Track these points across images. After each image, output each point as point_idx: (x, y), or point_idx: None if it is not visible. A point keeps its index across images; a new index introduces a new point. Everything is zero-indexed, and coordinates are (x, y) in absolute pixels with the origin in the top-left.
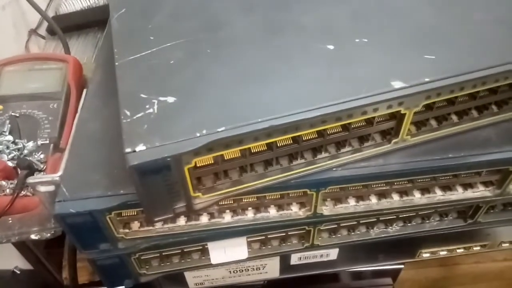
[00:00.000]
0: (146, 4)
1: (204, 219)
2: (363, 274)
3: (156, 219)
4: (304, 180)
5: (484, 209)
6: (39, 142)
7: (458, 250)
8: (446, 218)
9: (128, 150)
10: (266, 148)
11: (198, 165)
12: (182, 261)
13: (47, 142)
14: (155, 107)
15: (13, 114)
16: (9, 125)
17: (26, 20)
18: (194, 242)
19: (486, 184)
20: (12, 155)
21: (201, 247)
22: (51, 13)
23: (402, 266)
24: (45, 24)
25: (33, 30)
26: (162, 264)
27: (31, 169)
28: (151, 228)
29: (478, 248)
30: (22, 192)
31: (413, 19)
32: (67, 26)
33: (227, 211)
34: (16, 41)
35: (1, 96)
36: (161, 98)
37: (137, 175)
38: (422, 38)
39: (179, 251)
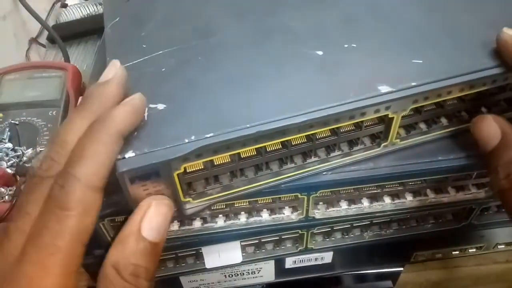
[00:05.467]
0: (140, 12)
1: (197, 223)
2: (363, 277)
3: None
4: (295, 184)
5: (478, 211)
6: (38, 149)
7: (453, 252)
8: (440, 220)
9: (117, 157)
10: (255, 153)
11: (188, 171)
12: (177, 265)
13: None
14: (145, 114)
15: (12, 121)
16: (9, 133)
17: (27, 29)
18: (188, 247)
19: (478, 186)
20: (11, 162)
21: (195, 252)
22: (51, 22)
23: (402, 268)
24: (46, 33)
25: (34, 39)
26: (157, 269)
27: None
28: None
29: (474, 250)
30: None
31: (402, 24)
32: (67, 35)
33: (220, 215)
34: (17, 50)
35: (1, 104)
36: (152, 105)
37: (126, 181)
38: (411, 42)
39: (173, 255)
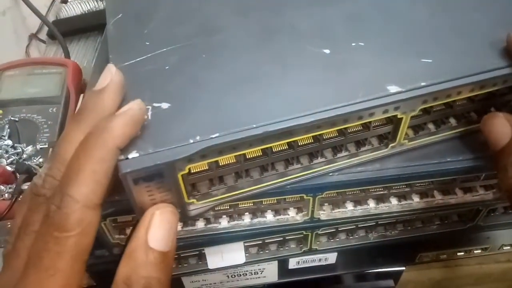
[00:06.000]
0: (143, 9)
1: (200, 224)
2: (365, 276)
3: None
4: (301, 185)
5: (484, 212)
6: (38, 146)
7: (458, 254)
8: (446, 221)
9: (121, 157)
10: (261, 153)
11: (192, 171)
12: (179, 266)
13: (46, 146)
14: (149, 113)
15: (12, 118)
16: (9, 130)
17: (27, 24)
18: (191, 248)
19: (486, 187)
20: (11, 159)
21: (198, 252)
22: (51, 18)
23: (403, 268)
24: (46, 29)
25: (34, 34)
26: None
27: (30, 174)
28: None
29: (479, 251)
30: (21, 196)
31: (411, 22)
32: (68, 30)
33: (224, 216)
34: (16, 46)
35: (1, 100)
36: (155, 105)
37: (129, 182)
38: (420, 41)
39: (176, 256)
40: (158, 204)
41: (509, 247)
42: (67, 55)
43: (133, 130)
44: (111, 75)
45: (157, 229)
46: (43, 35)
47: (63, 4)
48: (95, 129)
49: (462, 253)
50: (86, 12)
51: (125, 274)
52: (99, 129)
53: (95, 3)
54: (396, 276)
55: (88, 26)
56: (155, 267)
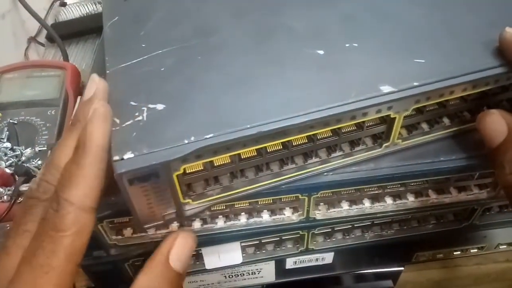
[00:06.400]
0: (139, 11)
1: (197, 224)
2: (363, 276)
3: (146, 226)
4: (296, 185)
5: (480, 211)
6: (37, 149)
7: (455, 253)
8: (442, 221)
9: (116, 158)
10: (256, 153)
11: (187, 172)
12: None
13: (45, 148)
14: (144, 114)
15: (11, 121)
16: (7, 132)
17: (26, 28)
18: None
19: (480, 186)
20: (10, 161)
21: (195, 252)
22: (50, 21)
23: (402, 268)
24: (45, 32)
25: (33, 37)
26: None
27: (29, 176)
28: (144, 234)
29: (475, 250)
30: (20, 198)
31: (404, 23)
32: (66, 33)
33: (220, 216)
34: (15, 49)
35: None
36: (151, 106)
37: (125, 182)
38: (413, 42)
39: None
40: (182, 228)
41: (505, 246)
42: (66, 58)
43: (107, 127)
44: (95, 84)
45: (179, 250)
46: (42, 38)
47: (62, 7)
48: (80, 138)
49: (459, 252)
50: (85, 15)
51: (144, 284)
52: (82, 136)
53: (94, 6)
54: (394, 276)
55: (86, 29)
56: (171, 285)
